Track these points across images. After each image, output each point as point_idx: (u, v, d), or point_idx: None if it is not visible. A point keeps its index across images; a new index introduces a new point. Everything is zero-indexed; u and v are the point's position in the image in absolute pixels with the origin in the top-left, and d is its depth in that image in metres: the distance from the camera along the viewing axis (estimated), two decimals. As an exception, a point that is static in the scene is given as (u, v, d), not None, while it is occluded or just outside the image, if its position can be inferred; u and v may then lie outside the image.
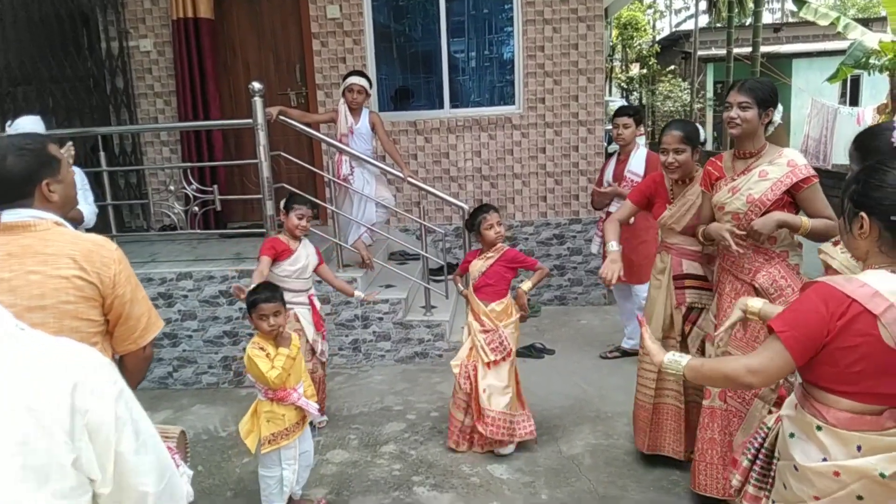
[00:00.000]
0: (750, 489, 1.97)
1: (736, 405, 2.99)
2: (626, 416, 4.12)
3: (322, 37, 6.15)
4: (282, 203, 3.97)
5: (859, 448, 1.65)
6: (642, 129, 4.90)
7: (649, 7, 30.47)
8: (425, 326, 5.05)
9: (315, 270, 4.03)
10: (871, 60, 10.86)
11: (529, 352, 5.17)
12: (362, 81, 5.03)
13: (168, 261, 5.09)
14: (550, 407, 4.30)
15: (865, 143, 2.27)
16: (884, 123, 2.29)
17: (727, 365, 1.82)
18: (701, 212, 3.20)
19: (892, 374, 1.63)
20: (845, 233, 1.78)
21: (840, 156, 12.37)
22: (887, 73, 10.73)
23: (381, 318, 5.04)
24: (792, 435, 1.79)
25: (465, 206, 5.11)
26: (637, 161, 4.79)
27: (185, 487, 1.34)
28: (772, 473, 1.93)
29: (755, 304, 2.15)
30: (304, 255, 3.93)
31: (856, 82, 16.69)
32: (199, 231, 5.26)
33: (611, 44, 23.65)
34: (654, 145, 19.78)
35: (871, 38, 10.95)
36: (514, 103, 6.33)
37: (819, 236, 2.80)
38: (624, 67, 26.62)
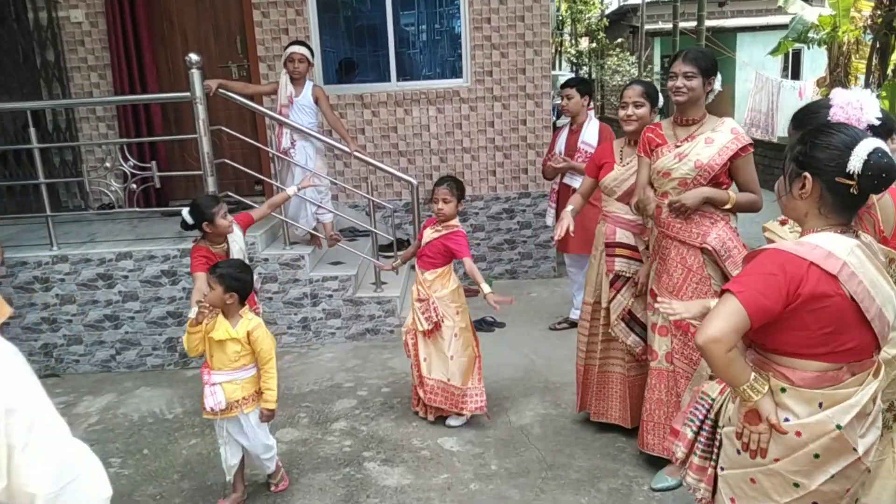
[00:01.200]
0: (695, 460, 2.01)
1: (683, 366, 3.07)
2: (573, 385, 4.17)
3: (263, 7, 5.96)
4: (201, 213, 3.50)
5: (821, 405, 1.71)
6: (591, 102, 4.94)
7: (598, -19, 30.53)
8: (376, 303, 5.02)
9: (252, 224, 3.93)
10: (811, 34, 11.09)
11: (480, 325, 5.19)
12: (303, 50, 4.92)
13: (107, 240, 4.93)
14: (500, 379, 4.33)
15: (804, 120, 2.30)
16: (820, 100, 2.32)
17: (718, 358, 1.69)
18: (639, 177, 3.24)
19: (854, 328, 1.69)
20: (784, 193, 1.81)
21: (784, 128, 12.68)
22: (825, 46, 10.98)
23: (330, 296, 4.98)
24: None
25: (414, 182, 5.06)
26: (590, 132, 4.82)
27: (101, 492, 1.21)
28: (717, 442, 1.96)
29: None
30: (236, 246, 3.69)
31: (797, 56, 17.08)
32: (138, 209, 5.09)
33: (560, 17, 23.67)
34: (604, 119, 19.96)
35: (810, 13, 11.18)
36: (461, 76, 6.27)
37: (743, 209, 3.00)
38: (573, 41, 26.68)
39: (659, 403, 3.15)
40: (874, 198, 2.20)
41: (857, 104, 2.12)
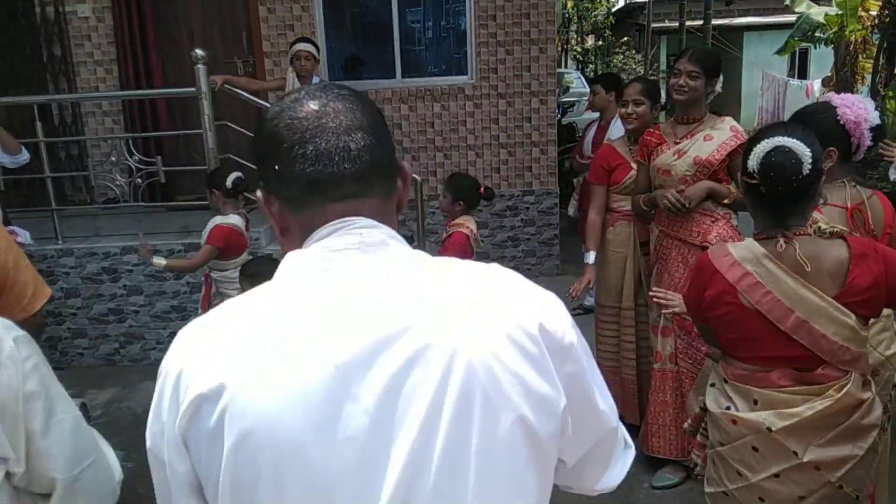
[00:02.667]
0: (700, 437, 2.07)
1: (687, 366, 3.06)
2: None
3: (269, 3, 5.97)
4: (231, 180, 3.67)
5: (756, 402, 1.76)
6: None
7: (605, -21, 30.45)
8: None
9: None
10: (818, 33, 11.08)
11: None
12: (309, 47, 4.92)
13: (112, 235, 4.95)
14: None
15: (806, 121, 2.30)
16: (819, 104, 2.34)
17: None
18: (637, 182, 3.25)
19: (765, 338, 1.72)
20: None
21: (789, 127, 12.66)
22: (832, 46, 10.96)
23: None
24: (713, 384, 1.92)
25: (419, 178, 5.06)
26: (618, 128, 4.82)
27: (113, 475, 1.26)
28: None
29: None
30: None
31: (804, 55, 17.04)
32: (143, 204, 5.10)
33: (566, 15, 23.62)
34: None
35: (817, 12, 11.17)
36: (466, 73, 6.27)
37: (742, 207, 2.94)
38: (579, 39, 26.64)
39: (664, 405, 3.14)
40: (864, 196, 2.22)
41: (861, 105, 2.14)
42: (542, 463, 0.86)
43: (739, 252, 1.75)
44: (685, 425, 2.14)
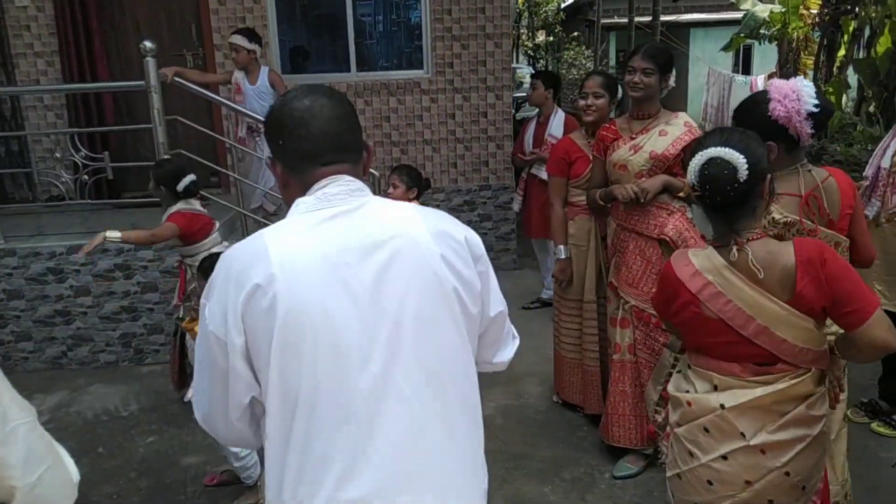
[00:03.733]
0: (669, 428, 2.09)
1: (646, 356, 3.11)
2: (536, 375, 4.22)
3: (219, -6, 5.83)
4: (183, 184, 3.53)
5: (716, 387, 1.82)
6: (557, 95, 5.12)
7: (554, -26, 30.71)
8: (336, 295, 4.97)
9: None
10: (762, 31, 11.37)
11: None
12: (238, 39, 4.90)
13: (57, 234, 4.76)
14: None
15: (744, 115, 2.31)
16: (758, 94, 2.32)
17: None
18: (592, 176, 3.28)
19: (729, 341, 1.78)
20: None
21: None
22: (776, 42, 11.27)
23: (290, 289, 4.90)
24: (679, 371, 1.99)
25: (376, 173, 5.01)
26: (557, 124, 4.95)
27: (71, 477, 1.24)
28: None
29: None
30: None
31: (748, 51, 17.49)
32: (90, 201, 4.92)
33: (517, 10, 23.73)
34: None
35: (762, 9, 11.45)
36: (422, 67, 6.24)
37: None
38: (530, 34, 26.80)
39: (623, 395, 3.19)
40: (818, 180, 2.20)
41: (794, 96, 2.14)
42: (470, 324, 1.37)
43: (700, 262, 1.78)
44: (658, 418, 2.18)
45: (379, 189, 4.99)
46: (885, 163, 3.28)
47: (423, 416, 1.29)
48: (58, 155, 4.79)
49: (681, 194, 3.02)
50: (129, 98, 5.85)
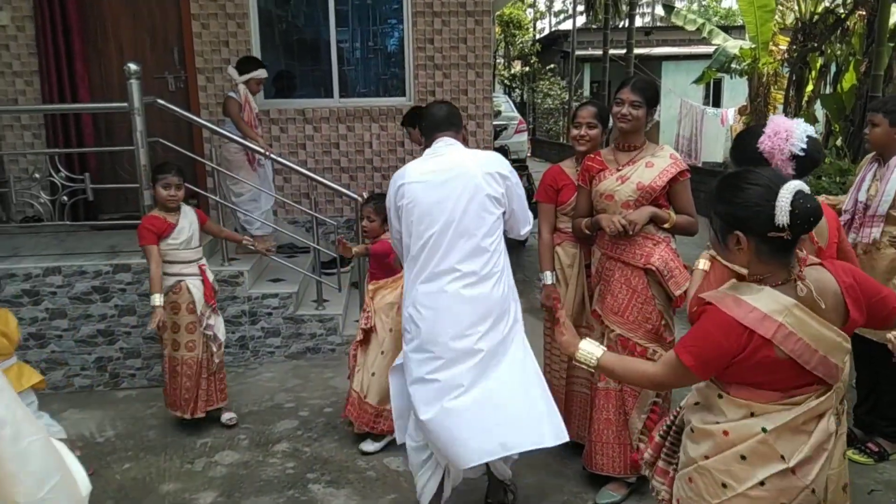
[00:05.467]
0: (661, 463, 2.09)
1: (629, 391, 3.13)
2: (518, 403, 4.22)
3: (203, 18, 5.86)
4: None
5: (753, 414, 1.77)
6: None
7: (530, 6, 31.33)
8: (317, 321, 4.95)
9: (203, 230, 3.94)
10: (733, 65, 11.70)
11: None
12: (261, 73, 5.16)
13: (33, 255, 4.68)
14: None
15: (739, 146, 2.38)
16: (756, 127, 2.40)
17: (637, 374, 1.95)
18: (577, 205, 3.33)
19: (793, 376, 1.75)
20: (720, 245, 1.82)
21: (708, 153, 13.26)
22: (746, 77, 11.60)
23: (270, 314, 4.88)
24: (697, 403, 1.91)
25: (358, 198, 5.03)
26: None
27: (79, 490, 1.23)
28: (678, 449, 2.04)
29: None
30: (188, 223, 3.77)
31: (718, 84, 17.93)
32: (67, 223, 4.85)
33: (495, 40, 24.11)
34: (535, 141, 20.22)
35: (732, 45, 11.81)
36: (404, 95, 6.31)
37: (681, 231, 3.13)
38: (507, 64, 27.22)
39: (608, 423, 3.19)
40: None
41: (784, 135, 2.22)
42: (497, 210, 2.75)
43: (765, 304, 1.70)
44: (645, 455, 2.14)
45: (359, 217, 5.02)
46: (862, 196, 3.38)
47: (467, 261, 2.69)
48: (36, 175, 4.72)
49: (666, 225, 3.07)
50: (109, 119, 5.82)
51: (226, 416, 4.01)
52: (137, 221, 4.36)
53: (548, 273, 3.46)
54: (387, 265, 3.72)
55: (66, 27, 5.53)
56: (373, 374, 3.62)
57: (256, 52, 6.00)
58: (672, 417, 2.09)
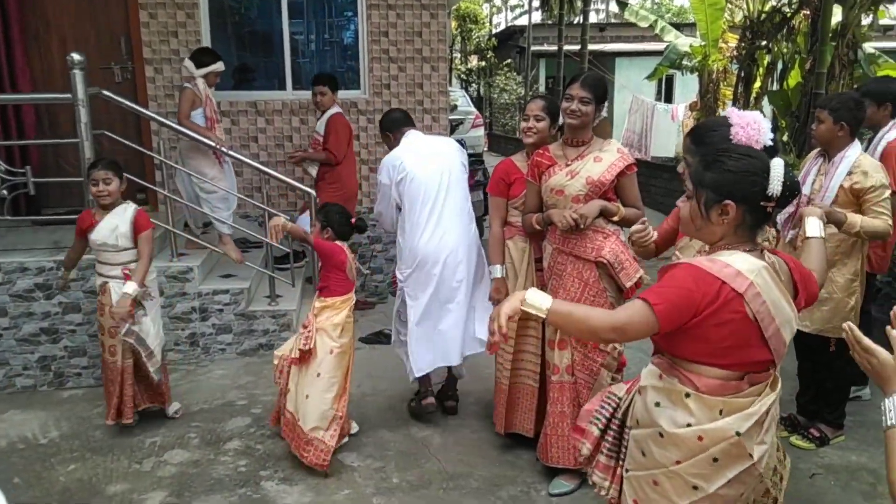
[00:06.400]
0: (602, 458, 2.04)
1: (584, 377, 3.16)
2: (472, 394, 4.24)
3: (150, 8, 5.70)
4: None
5: (721, 412, 1.78)
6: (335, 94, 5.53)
7: (486, 1, 31.40)
8: (270, 317, 4.88)
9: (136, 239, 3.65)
10: (684, 62, 11.91)
11: (378, 338, 5.16)
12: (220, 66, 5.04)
13: (-30, 251, 4.51)
14: (401, 390, 4.32)
15: (703, 137, 2.42)
16: (715, 119, 2.45)
17: (593, 319, 1.79)
18: (527, 201, 3.35)
19: (754, 345, 1.78)
20: (700, 219, 1.84)
21: (659, 148, 13.47)
22: (697, 73, 11.82)
23: (221, 310, 4.79)
24: (658, 404, 1.85)
25: (312, 192, 4.98)
26: (321, 122, 5.45)
27: None
28: (624, 443, 2.00)
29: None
30: (109, 226, 3.56)
31: (670, 81, 18.25)
32: (8, 218, 4.68)
33: (452, 35, 24.09)
34: (492, 136, 20.32)
35: (683, 42, 12.02)
36: (359, 88, 6.26)
37: (629, 223, 3.09)
38: (463, 59, 27.23)
39: (563, 416, 3.22)
40: None
41: (755, 125, 2.27)
42: (466, 188, 3.89)
43: (740, 264, 1.75)
44: (583, 450, 2.08)
45: (315, 209, 4.97)
46: (806, 190, 3.48)
47: (454, 214, 3.73)
48: (-25, 169, 4.54)
49: (615, 219, 3.11)
50: (52, 111, 5.63)
51: (171, 409, 3.96)
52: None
53: (497, 266, 3.48)
54: (341, 276, 3.51)
55: (4, 16, 5.31)
56: (307, 397, 3.39)
57: (207, 43, 5.87)
58: (611, 409, 2.04)
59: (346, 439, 3.64)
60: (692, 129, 2.46)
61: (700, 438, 1.77)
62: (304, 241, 3.76)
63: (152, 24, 5.73)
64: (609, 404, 2.05)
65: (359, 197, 6.03)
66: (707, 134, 2.37)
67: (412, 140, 3.81)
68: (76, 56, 4.11)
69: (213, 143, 4.86)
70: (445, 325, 3.73)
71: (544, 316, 1.78)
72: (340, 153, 5.45)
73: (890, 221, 3.25)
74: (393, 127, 3.90)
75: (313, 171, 5.57)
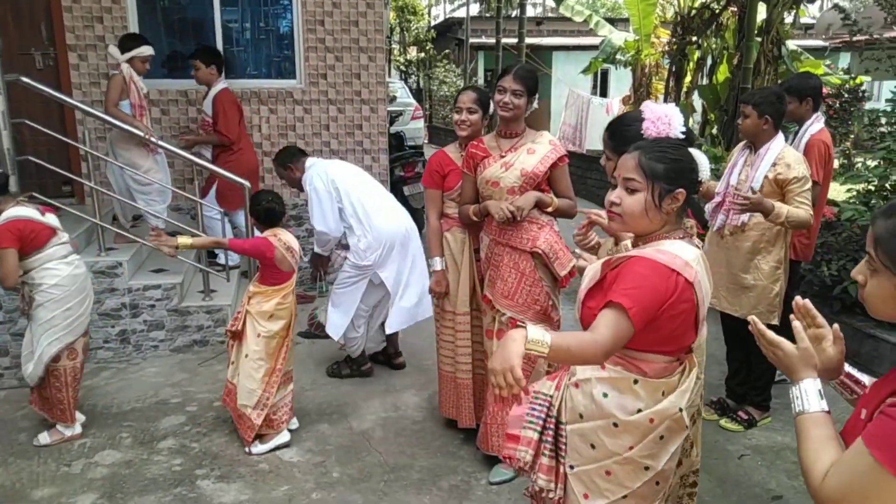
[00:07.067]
0: (544, 461, 1.98)
1: (522, 366, 3.18)
2: (413, 386, 4.25)
3: (73, -9, 5.45)
4: None
5: (664, 393, 1.84)
6: (220, 71, 5.41)
7: (425, -8, 31.29)
8: (205, 312, 4.76)
9: None
10: (618, 56, 12.15)
11: (316, 332, 5.10)
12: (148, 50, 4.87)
13: None
14: (340, 384, 4.29)
15: (618, 132, 2.48)
16: (631, 113, 2.51)
17: (588, 352, 1.73)
18: (463, 192, 3.36)
19: (690, 329, 1.86)
20: (652, 209, 1.84)
21: (593, 141, 13.72)
22: (630, 67, 12.08)
23: (152, 306, 4.64)
24: (605, 395, 1.86)
25: (247, 184, 4.86)
26: (208, 101, 5.34)
27: None
28: (563, 440, 1.96)
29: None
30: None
31: (605, 75, 18.59)
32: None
33: (390, 25, 23.93)
34: (432, 128, 20.28)
35: (617, 37, 12.26)
36: (295, 77, 6.14)
37: (562, 213, 3.22)
38: (402, 50, 27.10)
39: (501, 405, 3.26)
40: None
41: (665, 119, 2.33)
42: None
43: (686, 254, 1.79)
44: (526, 457, 1.98)
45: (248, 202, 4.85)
46: (734, 180, 3.60)
47: (389, 196, 4.38)
48: None
49: (549, 210, 3.15)
50: (-33, 99, 5.32)
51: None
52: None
53: (437, 259, 3.48)
54: (274, 269, 3.50)
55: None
56: (238, 375, 3.51)
57: (134, 29, 5.64)
58: (544, 408, 2.00)
59: (285, 435, 3.58)
60: (609, 124, 2.51)
61: (651, 421, 1.82)
62: (218, 247, 3.72)
63: (75, 9, 5.48)
64: (539, 404, 2.01)
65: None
66: (622, 129, 2.42)
67: (320, 162, 4.24)
68: (-8, 41, 3.90)
69: (140, 133, 4.69)
70: (414, 282, 4.20)
71: (545, 354, 1.71)
72: (232, 132, 5.30)
73: (811, 211, 3.40)
74: (294, 158, 4.22)
75: (207, 153, 5.38)
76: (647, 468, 1.85)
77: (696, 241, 1.94)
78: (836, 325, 1.50)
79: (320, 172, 4.06)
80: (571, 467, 1.93)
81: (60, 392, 3.52)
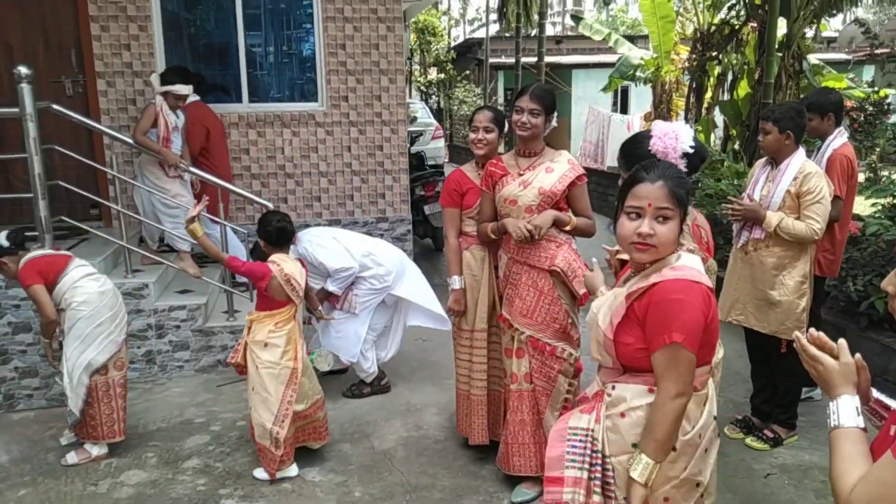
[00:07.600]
0: (597, 498, 1.91)
1: (542, 384, 3.18)
2: (435, 406, 4.24)
3: (102, 20, 5.61)
4: (4, 237, 3.47)
5: (704, 404, 1.88)
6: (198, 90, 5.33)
7: (444, 14, 31.63)
8: (228, 332, 4.81)
9: None
10: (637, 73, 12.16)
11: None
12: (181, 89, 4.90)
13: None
14: (361, 403, 4.30)
15: (630, 150, 2.51)
16: (642, 133, 2.54)
17: (674, 415, 1.77)
18: (482, 210, 3.37)
19: (715, 340, 1.92)
20: (680, 234, 1.88)
21: (614, 158, 13.67)
22: (650, 84, 12.07)
23: (178, 326, 4.71)
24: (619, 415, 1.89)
25: (270, 205, 4.93)
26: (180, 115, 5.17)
27: None
28: (611, 474, 1.89)
29: None
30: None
31: (626, 92, 18.59)
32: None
33: (410, 47, 24.20)
34: (452, 147, 20.40)
35: (636, 54, 12.28)
36: (317, 100, 6.24)
37: (580, 232, 3.21)
38: (423, 71, 27.35)
39: (522, 424, 3.23)
40: (699, 217, 2.48)
41: (672, 135, 2.35)
42: None
43: (694, 262, 1.87)
44: (580, 498, 1.92)
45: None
46: (756, 196, 3.58)
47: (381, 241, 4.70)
48: (-85, 186, 4.40)
49: (567, 228, 3.15)
50: (2, 126, 5.49)
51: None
52: (34, 233, 4.15)
53: (455, 277, 3.49)
54: (265, 297, 3.44)
55: (-52, 27, 5.18)
56: (251, 408, 3.43)
57: (160, 56, 5.80)
58: (587, 443, 1.92)
59: (293, 469, 3.50)
60: (623, 144, 2.54)
61: (700, 436, 1.86)
62: (217, 259, 3.66)
63: (104, 37, 5.63)
64: (580, 440, 1.93)
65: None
66: (633, 147, 2.45)
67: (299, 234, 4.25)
68: (23, 69, 4.02)
69: (167, 158, 4.79)
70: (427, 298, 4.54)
71: (655, 470, 1.81)
72: (195, 145, 5.29)
73: (816, 227, 3.37)
74: (287, 235, 4.13)
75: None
76: (698, 485, 1.87)
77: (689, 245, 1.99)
78: (858, 355, 1.48)
79: (310, 237, 4.22)
80: (625, 499, 1.86)
81: (92, 407, 3.58)
